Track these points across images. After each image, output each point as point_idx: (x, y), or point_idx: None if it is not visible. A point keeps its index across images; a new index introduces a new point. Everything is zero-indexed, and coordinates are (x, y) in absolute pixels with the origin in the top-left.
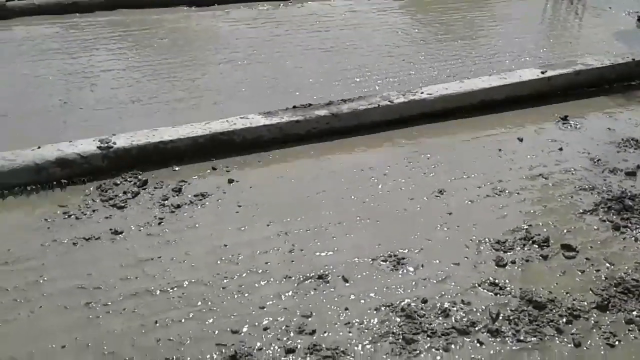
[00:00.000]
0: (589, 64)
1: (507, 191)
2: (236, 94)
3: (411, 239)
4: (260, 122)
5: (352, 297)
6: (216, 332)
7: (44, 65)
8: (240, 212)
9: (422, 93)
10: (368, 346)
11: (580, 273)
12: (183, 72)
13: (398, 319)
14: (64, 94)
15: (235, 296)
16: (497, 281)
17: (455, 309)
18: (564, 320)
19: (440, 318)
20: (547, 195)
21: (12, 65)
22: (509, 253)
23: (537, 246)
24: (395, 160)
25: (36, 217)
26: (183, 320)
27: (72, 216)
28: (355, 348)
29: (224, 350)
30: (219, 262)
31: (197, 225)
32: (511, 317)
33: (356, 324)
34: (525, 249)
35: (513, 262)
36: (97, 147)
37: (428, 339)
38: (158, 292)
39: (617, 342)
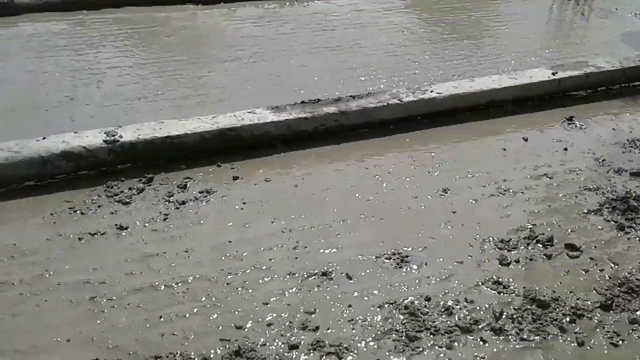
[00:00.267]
0: (600, 66)
1: (511, 190)
2: (241, 92)
3: (415, 237)
4: (268, 118)
5: (356, 294)
6: (220, 327)
7: (50, 61)
8: (245, 209)
9: (431, 92)
10: (371, 343)
11: (584, 272)
12: (189, 70)
13: (401, 317)
14: (71, 90)
15: (239, 292)
16: (500, 280)
17: (458, 307)
18: (568, 319)
19: (444, 316)
20: (551, 195)
21: (19, 61)
22: (512, 252)
23: (541, 245)
24: (399, 159)
25: (42, 211)
26: (187, 315)
27: (78, 211)
28: (359, 345)
29: (227, 346)
30: (223, 258)
31: (201, 221)
32: (514, 316)
33: (360, 321)
34: (529, 248)
35: (517, 261)
36: (103, 140)
37: (431, 336)
38: (163, 287)
39: (620, 342)
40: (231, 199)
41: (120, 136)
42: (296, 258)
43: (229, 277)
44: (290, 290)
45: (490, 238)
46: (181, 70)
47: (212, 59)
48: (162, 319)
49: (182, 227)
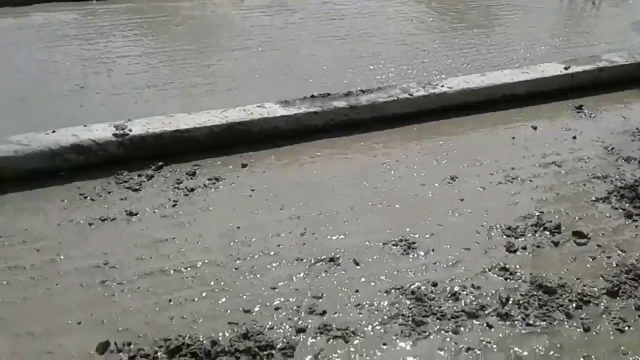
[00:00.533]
0: (614, 60)
1: (519, 178)
2: (250, 81)
3: (422, 224)
4: (277, 113)
5: (363, 279)
6: (228, 311)
7: (61, 50)
8: (253, 196)
9: (442, 86)
10: (378, 327)
11: (591, 260)
12: (198, 59)
13: (408, 302)
14: (81, 78)
15: (248, 277)
16: (507, 266)
17: (465, 292)
18: (574, 305)
19: (450, 301)
20: (559, 183)
21: (30, 50)
22: (520, 239)
23: (548, 233)
24: (407, 148)
25: (53, 198)
26: (196, 299)
27: (88, 197)
28: (365, 329)
29: (236, 329)
30: (231, 243)
31: (210, 208)
32: (521, 302)
33: (366, 305)
34: (537, 235)
35: (524, 248)
36: (113, 134)
37: (437, 321)
38: (172, 271)
39: (626, 328)
40: (239, 186)
41: (130, 130)
42: (304, 244)
43: (238, 262)
44: (298, 276)
45: (498, 225)
46: (190, 59)
47: (220, 48)
48: (171, 303)
49: (191, 213)
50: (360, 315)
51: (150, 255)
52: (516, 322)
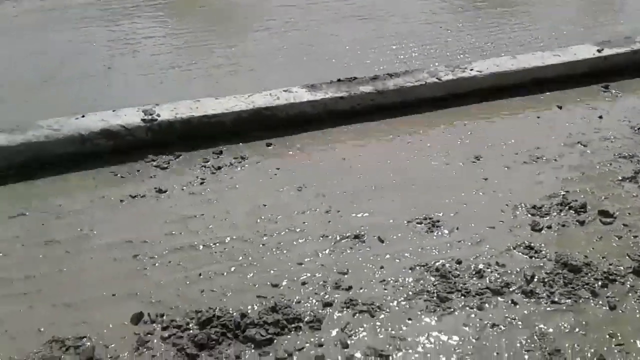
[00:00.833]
0: None
1: (544, 158)
2: (273, 61)
3: (446, 203)
4: (304, 97)
5: (388, 256)
6: (256, 285)
7: (88, 32)
8: (279, 174)
9: (471, 70)
10: (403, 302)
11: (617, 239)
12: (221, 40)
13: (432, 278)
14: (108, 59)
15: (275, 252)
16: (532, 245)
17: (489, 270)
18: (600, 283)
19: (475, 279)
20: (585, 162)
21: (57, 32)
22: (545, 218)
23: (573, 212)
24: (432, 128)
25: (84, 176)
26: (225, 274)
27: (118, 175)
28: (391, 304)
29: (264, 302)
30: (258, 220)
31: (237, 186)
32: (546, 280)
33: (391, 281)
34: (562, 214)
35: (549, 227)
36: (142, 119)
37: (462, 297)
38: (201, 247)
39: None
40: (265, 165)
41: (158, 115)
42: (329, 222)
43: (264, 238)
44: (324, 252)
45: (523, 204)
46: (213, 40)
47: (244, 29)
48: (201, 277)
49: (218, 191)
50: (386, 291)
51: (179, 231)
52: (541, 300)
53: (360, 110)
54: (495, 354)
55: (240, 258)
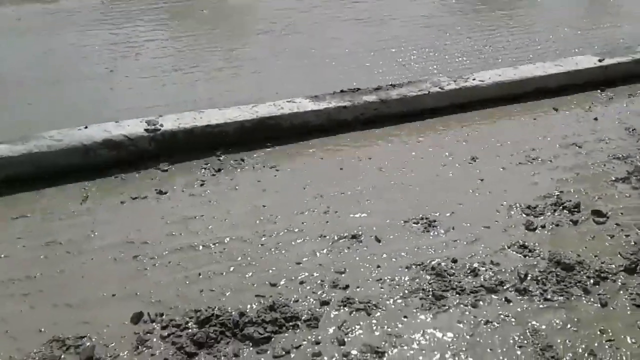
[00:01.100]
0: None
1: (539, 159)
2: (274, 64)
3: (443, 203)
4: (307, 107)
5: (384, 255)
6: (255, 284)
7: (91, 35)
8: (278, 176)
9: (474, 79)
10: (399, 301)
11: (609, 238)
12: (223, 42)
13: (428, 277)
14: (110, 62)
15: (273, 252)
16: (526, 244)
17: (484, 269)
18: (592, 281)
19: (469, 277)
20: (580, 163)
21: (61, 35)
22: (539, 218)
23: (567, 212)
24: (430, 130)
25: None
26: (224, 274)
27: (119, 177)
28: (387, 302)
29: (262, 301)
30: (257, 221)
31: (237, 187)
32: (539, 278)
33: (388, 280)
34: (556, 214)
35: (543, 227)
36: (144, 129)
37: (457, 295)
38: (201, 247)
39: None
40: (265, 167)
41: (161, 125)
42: (327, 222)
43: (263, 238)
44: (322, 252)
45: (517, 204)
46: (215, 43)
47: (245, 32)
48: (200, 277)
49: (218, 192)
50: (382, 290)
51: (180, 232)
52: (534, 297)
53: (363, 120)
54: (488, 350)
55: (240, 258)
